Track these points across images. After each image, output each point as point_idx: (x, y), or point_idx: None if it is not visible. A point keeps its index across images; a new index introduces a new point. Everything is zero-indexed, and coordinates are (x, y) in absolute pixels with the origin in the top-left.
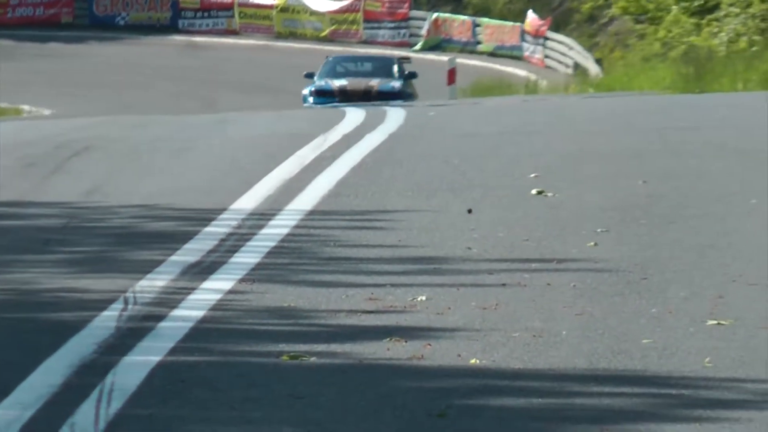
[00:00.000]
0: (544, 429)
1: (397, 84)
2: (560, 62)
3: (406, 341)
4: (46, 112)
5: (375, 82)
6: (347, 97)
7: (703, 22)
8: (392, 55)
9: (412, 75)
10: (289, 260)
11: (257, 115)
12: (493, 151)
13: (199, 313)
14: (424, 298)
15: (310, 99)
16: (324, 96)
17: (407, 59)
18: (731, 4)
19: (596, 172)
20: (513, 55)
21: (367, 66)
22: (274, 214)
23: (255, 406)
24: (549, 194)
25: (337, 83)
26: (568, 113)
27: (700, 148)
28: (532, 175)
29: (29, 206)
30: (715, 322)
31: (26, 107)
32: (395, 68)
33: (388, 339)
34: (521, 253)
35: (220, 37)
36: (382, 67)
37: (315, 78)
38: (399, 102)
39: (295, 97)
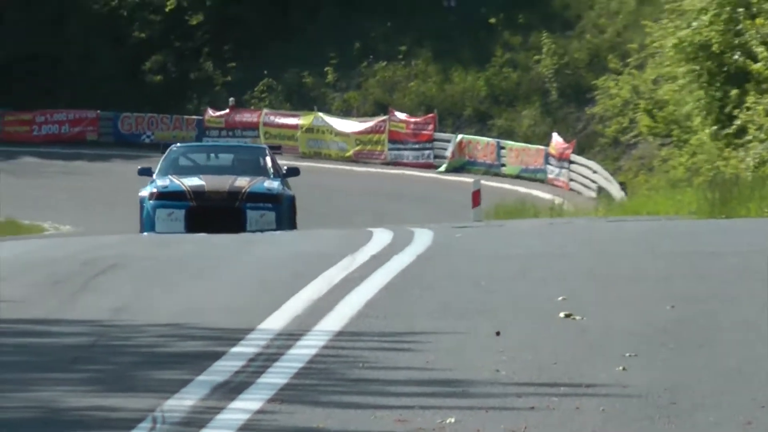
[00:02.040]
0: None
1: (273, 185)
2: (584, 185)
3: None
4: (69, 229)
5: (244, 182)
6: (204, 201)
7: (729, 147)
8: (258, 144)
9: (293, 172)
10: (317, 381)
11: (284, 235)
12: (520, 273)
13: None
14: (452, 420)
15: (151, 203)
16: (171, 199)
17: (278, 149)
18: (758, 128)
19: (624, 295)
20: (537, 177)
21: (226, 159)
22: (302, 335)
23: None
24: (577, 317)
25: (189, 183)
26: (594, 236)
27: (727, 273)
28: (560, 298)
29: (57, 324)
30: None
31: (48, 224)
32: (267, 162)
33: None
34: (550, 377)
35: None
36: (248, 162)
37: (155, 175)
38: (276, 208)
39: (315, 216)
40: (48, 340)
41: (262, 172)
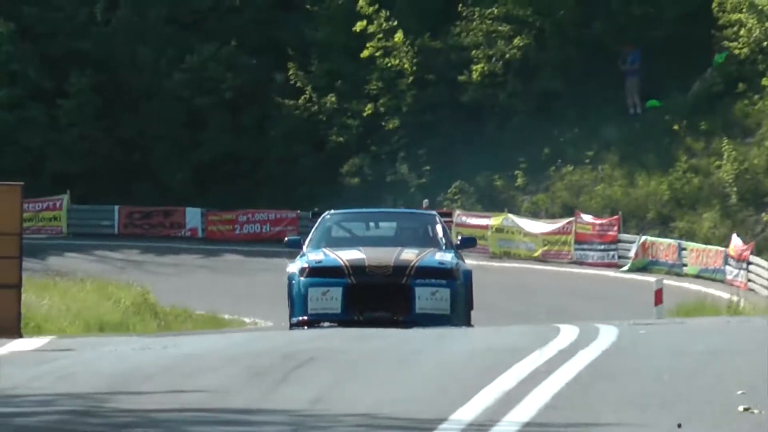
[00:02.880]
0: None
1: (446, 257)
2: (762, 285)
3: None
4: (268, 323)
5: (411, 254)
6: (365, 276)
7: None
8: (424, 210)
9: (468, 242)
10: None
11: (475, 330)
12: (701, 368)
13: None
14: None
15: (302, 280)
16: (325, 276)
17: (449, 216)
18: None
19: None
20: (716, 278)
21: (388, 228)
22: (492, 425)
23: None
24: (755, 411)
25: (347, 256)
26: None
27: None
28: (739, 392)
29: (257, 413)
30: None
31: (248, 319)
32: (438, 230)
33: None
34: None
35: None
36: (415, 230)
37: (305, 248)
38: (450, 285)
39: (504, 312)
40: (248, 429)
41: (432, 242)
